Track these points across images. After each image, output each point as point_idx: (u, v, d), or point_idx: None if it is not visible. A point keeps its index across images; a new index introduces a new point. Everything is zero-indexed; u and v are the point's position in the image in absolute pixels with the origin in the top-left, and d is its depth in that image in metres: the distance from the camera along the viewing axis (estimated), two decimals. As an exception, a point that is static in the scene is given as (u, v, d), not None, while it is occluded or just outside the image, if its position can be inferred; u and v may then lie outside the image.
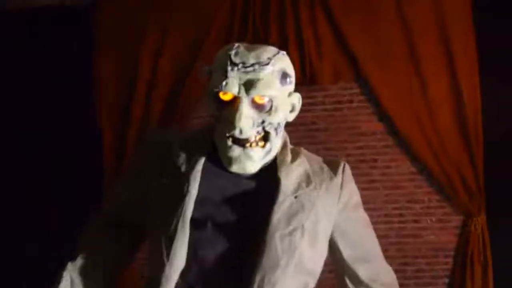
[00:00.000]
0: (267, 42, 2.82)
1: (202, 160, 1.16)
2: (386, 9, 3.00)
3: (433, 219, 3.04)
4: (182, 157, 1.18)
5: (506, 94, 2.90)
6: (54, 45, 3.30)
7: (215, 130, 1.18)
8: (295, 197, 1.16)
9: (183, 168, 1.16)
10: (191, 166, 1.16)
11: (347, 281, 1.27)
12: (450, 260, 3.00)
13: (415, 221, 3.04)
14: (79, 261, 1.23)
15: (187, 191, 1.13)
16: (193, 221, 1.12)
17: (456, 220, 3.04)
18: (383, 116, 3.08)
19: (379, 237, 1.32)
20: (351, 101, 3.16)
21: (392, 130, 3.06)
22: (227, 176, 1.17)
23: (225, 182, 1.17)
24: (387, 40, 3.01)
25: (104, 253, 1.26)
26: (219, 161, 1.17)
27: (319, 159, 1.27)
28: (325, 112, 3.15)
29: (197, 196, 1.14)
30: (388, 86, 3.01)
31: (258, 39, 3.02)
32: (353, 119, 3.13)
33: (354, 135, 3.12)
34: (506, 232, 2.91)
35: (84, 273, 1.22)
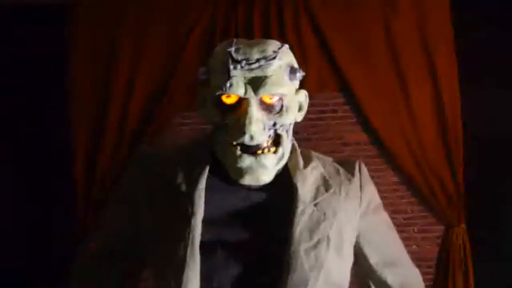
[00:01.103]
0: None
1: (204, 176, 1.03)
2: (372, 22, 3.04)
3: (415, 229, 3.05)
4: (181, 174, 1.04)
5: (485, 107, 2.98)
6: (31, 45, 3.20)
7: (216, 139, 1.04)
8: (315, 204, 1.04)
9: (183, 187, 1.03)
10: (193, 184, 1.02)
11: None
12: (432, 270, 3.02)
13: (398, 231, 3.05)
14: None
15: (192, 212, 1.00)
16: (202, 246, 0.99)
17: (438, 230, 3.08)
18: (367, 126, 3.10)
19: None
20: (335, 111, 3.16)
21: (376, 140, 3.08)
22: (234, 190, 1.04)
23: (234, 197, 1.04)
24: (372, 52, 3.04)
25: None
26: (223, 174, 1.03)
27: (330, 159, 1.16)
28: (308, 122, 3.15)
29: (204, 217, 1.00)
30: (372, 97, 3.04)
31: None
32: (336, 129, 3.13)
33: (338, 145, 3.12)
34: (486, 241, 2.97)
35: None
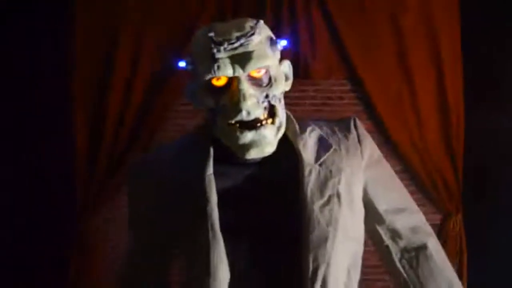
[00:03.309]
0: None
1: (210, 162, 1.07)
2: (381, 15, 3.09)
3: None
4: (187, 167, 1.08)
5: (487, 103, 3.05)
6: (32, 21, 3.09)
7: (214, 124, 1.07)
8: (320, 164, 1.09)
9: (192, 179, 1.06)
10: (200, 173, 1.06)
11: (385, 237, 1.20)
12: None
13: (397, 219, 3.12)
14: None
15: (207, 200, 1.03)
16: (223, 229, 1.03)
17: (436, 218, 3.16)
18: (372, 115, 3.16)
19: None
20: (341, 98, 3.22)
21: (380, 129, 3.15)
22: (241, 168, 1.08)
23: (242, 175, 1.08)
24: (379, 44, 3.09)
25: None
26: (226, 156, 1.07)
27: (325, 121, 1.20)
28: (314, 107, 3.20)
29: (218, 201, 1.04)
30: (378, 87, 3.10)
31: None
32: (342, 116, 3.18)
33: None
34: (481, 231, 3.07)
35: None
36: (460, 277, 3.00)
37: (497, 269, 3.02)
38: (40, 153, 3.10)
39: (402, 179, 3.30)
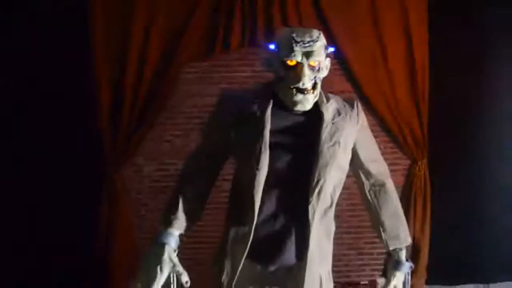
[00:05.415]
0: (255, 13, 3.36)
1: (270, 106, 1.66)
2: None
3: (386, 163, 3.63)
4: (255, 106, 1.67)
5: (451, 65, 3.46)
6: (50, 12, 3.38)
7: (279, 85, 1.66)
8: (333, 123, 1.69)
9: (257, 113, 1.66)
10: (263, 111, 1.65)
11: (362, 176, 1.84)
12: (399, 195, 3.61)
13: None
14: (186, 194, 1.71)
15: (264, 127, 1.63)
16: (270, 145, 1.62)
17: (405, 163, 3.64)
18: (350, 78, 3.58)
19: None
20: (325, 64, 3.67)
21: (358, 90, 3.57)
22: (287, 114, 1.68)
23: (287, 119, 1.67)
24: (357, 17, 3.52)
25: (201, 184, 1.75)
26: (281, 105, 1.67)
27: (339, 98, 1.80)
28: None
29: (270, 129, 1.63)
30: (355, 53, 3.51)
31: (246, 11, 3.48)
32: (326, 79, 3.64)
33: (326, 92, 3.62)
34: (443, 173, 3.55)
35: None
36: (425, 208, 3.55)
37: (455, 203, 3.55)
38: (68, 115, 3.41)
39: (377, 131, 3.84)
